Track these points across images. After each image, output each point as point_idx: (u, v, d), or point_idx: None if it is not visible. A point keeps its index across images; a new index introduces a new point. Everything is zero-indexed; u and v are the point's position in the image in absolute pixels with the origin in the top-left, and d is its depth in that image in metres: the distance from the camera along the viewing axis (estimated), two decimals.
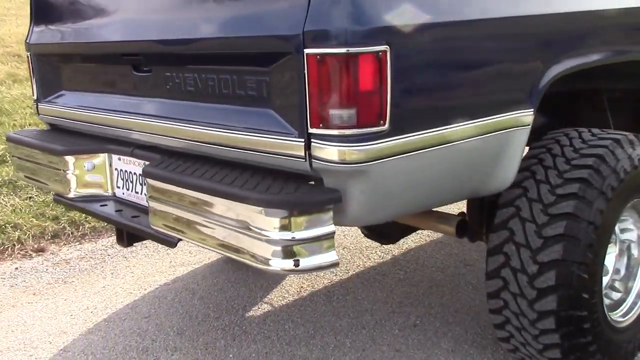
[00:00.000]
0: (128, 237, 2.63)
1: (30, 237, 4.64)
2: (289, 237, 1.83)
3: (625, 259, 2.86)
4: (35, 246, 4.57)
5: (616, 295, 2.82)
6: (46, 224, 4.79)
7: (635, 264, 2.81)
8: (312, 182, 1.99)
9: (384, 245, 4.27)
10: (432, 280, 3.77)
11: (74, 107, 2.94)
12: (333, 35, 1.78)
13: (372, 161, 1.86)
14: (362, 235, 4.07)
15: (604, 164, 2.44)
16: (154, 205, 2.26)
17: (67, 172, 2.73)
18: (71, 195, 2.75)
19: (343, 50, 1.78)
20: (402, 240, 4.33)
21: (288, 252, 1.85)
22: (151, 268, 4.15)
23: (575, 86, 3.07)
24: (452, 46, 1.99)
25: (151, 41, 2.38)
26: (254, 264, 1.90)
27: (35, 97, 3.23)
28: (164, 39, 2.34)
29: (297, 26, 1.83)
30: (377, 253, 4.20)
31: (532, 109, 2.30)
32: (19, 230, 4.68)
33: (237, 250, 1.96)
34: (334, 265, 1.90)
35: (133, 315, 3.50)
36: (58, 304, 3.69)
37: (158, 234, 2.28)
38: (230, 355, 3.04)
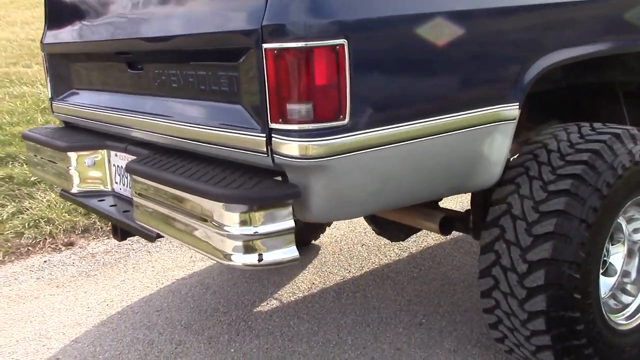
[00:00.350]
0: (122, 231, 2.69)
1: (62, 232, 4.80)
2: (248, 232, 1.83)
3: (637, 261, 2.74)
4: (66, 240, 4.72)
5: (627, 299, 2.70)
6: (77, 219, 4.94)
7: None
8: (279, 178, 1.98)
9: (402, 243, 4.22)
10: (446, 278, 3.70)
11: (80, 104, 3.03)
12: (289, 29, 1.77)
13: (333, 156, 1.84)
14: None
15: (599, 160, 2.34)
16: (136, 199, 2.31)
17: (70, 168, 2.81)
18: (74, 190, 2.83)
19: (299, 44, 1.77)
20: (421, 238, 4.28)
21: (248, 247, 1.85)
22: (172, 263, 4.22)
23: (586, 79, 2.96)
24: (417, 39, 1.94)
25: (137, 39, 2.43)
26: (219, 260, 1.91)
27: (50, 95, 3.34)
28: (145, 36, 2.38)
29: (256, 21, 1.83)
30: (394, 251, 4.15)
31: (517, 103, 2.23)
32: (51, 225, 4.85)
33: (203, 245, 1.97)
34: (294, 260, 1.89)
35: (146, 309, 3.57)
36: (78, 297, 3.80)
37: (141, 228, 2.32)
38: (232, 350, 3.07)
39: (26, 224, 4.85)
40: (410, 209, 2.62)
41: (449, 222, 2.62)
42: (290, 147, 1.83)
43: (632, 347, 2.55)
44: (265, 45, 1.82)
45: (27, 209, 5.06)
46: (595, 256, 2.33)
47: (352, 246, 4.28)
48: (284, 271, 3.94)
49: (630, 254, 2.74)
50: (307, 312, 3.39)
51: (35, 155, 3.18)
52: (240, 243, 1.84)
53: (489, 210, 2.47)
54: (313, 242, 4.35)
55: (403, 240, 3.83)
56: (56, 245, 4.66)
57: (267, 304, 3.53)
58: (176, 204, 2.05)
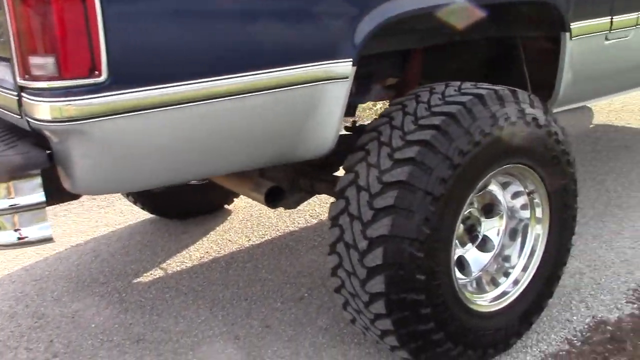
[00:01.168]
0: None
1: None
2: None
3: (519, 243, 2.48)
4: None
5: (502, 279, 2.45)
6: None
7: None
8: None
9: (316, 209, 3.99)
10: None
11: None
12: None
13: (91, 119, 1.57)
14: None
15: (454, 124, 2.07)
16: None
17: None
18: None
19: None
20: None
21: None
22: (74, 228, 4.00)
23: (488, 33, 2.68)
24: None
25: None
26: None
27: None
28: None
29: None
30: (304, 217, 3.92)
31: (351, 59, 1.94)
32: None
33: None
34: (47, 240, 1.64)
35: (25, 278, 3.36)
36: None
37: None
38: (92, 325, 2.86)
39: None
40: (240, 175, 2.36)
41: (277, 193, 2.36)
42: (39, 109, 1.57)
43: (497, 330, 2.32)
44: None
45: None
46: (443, 232, 2.07)
47: (263, 212, 4.03)
48: (182, 238, 3.72)
49: (512, 234, 2.48)
50: (188, 284, 3.18)
51: None
52: None
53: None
54: (226, 206, 4.11)
55: (294, 208, 3.56)
56: None
57: (151, 274, 3.32)
58: None
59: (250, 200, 4.13)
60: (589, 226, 3.49)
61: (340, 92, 1.96)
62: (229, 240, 3.65)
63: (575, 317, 2.68)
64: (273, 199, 2.39)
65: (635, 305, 2.73)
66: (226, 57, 1.72)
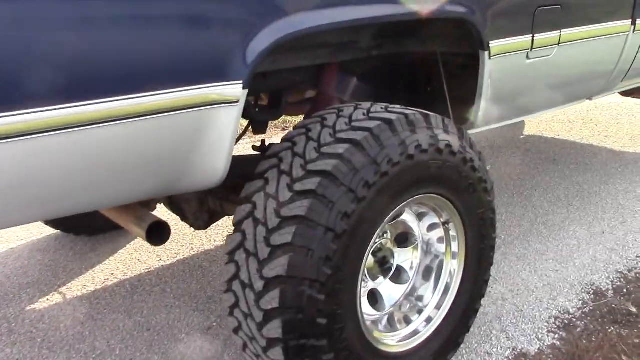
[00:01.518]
0: None
1: None
2: None
3: (432, 283, 2.32)
4: None
5: (415, 317, 2.30)
6: None
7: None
8: None
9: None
10: None
11: None
12: None
13: None
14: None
15: (358, 153, 1.88)
16: None
17: None
18: None
19: None
20: None
21: None
22: None
23: (405, 49, 2.52)
24: None
25: None
26: None
27: None
28: None
29: None
30: (222, 234, 3.69)
31: (241, 81, 1.74)
32: None
33: None
34: None
35: None
36: None
37: None
38: None
39: None
40: (122, 209, 2.13)
41: (160, 230, 2.15)
42: None
43: None
44: None
45: None
46: (347, 272, 1.89)
47: (179, 227, 3.79)
48: (88, 257, 3.45)
49: (426, 273, 2.32)
50: (87, 312, 2.92)
51: None
52: None
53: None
54: None
55: (204, 228, 3.35)
56: None
57: (47, 300, 3.04)
58: None
59: (166, 214, 3.89)
60: (515, 246, 3.38)
61: (229, 118, 1.75)
62: (139, 260, 3.41)
63: (495, 349, 2.55)
64: (158, 235, 2.16)
65: (557, 336, 2.62)
66: (89, 79, 1.48)
